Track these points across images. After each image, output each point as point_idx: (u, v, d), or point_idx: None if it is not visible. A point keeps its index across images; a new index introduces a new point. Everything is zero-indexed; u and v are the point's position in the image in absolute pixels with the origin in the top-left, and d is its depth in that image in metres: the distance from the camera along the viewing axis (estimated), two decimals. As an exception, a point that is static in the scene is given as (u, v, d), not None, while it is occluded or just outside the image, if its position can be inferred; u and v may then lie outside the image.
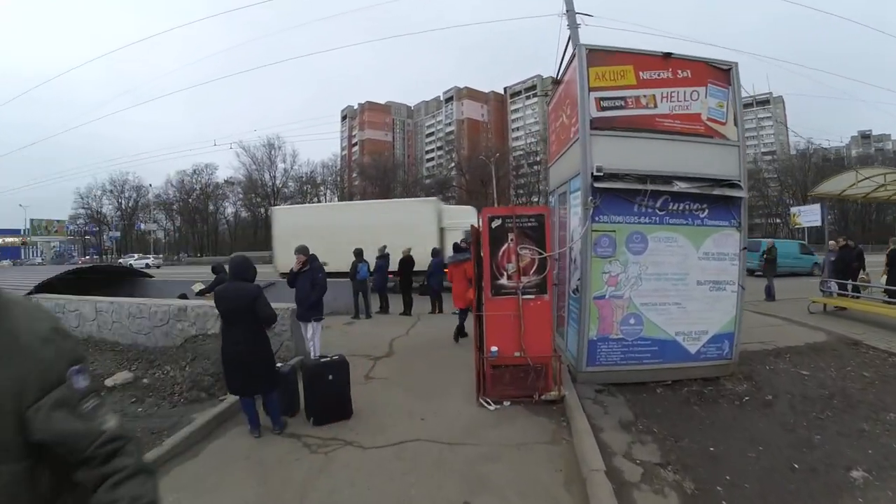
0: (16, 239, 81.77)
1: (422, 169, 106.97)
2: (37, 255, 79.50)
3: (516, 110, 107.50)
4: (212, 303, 6.76)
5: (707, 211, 7.00)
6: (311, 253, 8.20)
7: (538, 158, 77.53)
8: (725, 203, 7.05)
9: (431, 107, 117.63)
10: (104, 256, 78.10)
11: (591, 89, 6.80)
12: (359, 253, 13.08)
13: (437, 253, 13.72)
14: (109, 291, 16.86)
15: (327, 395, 5.79)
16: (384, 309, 13.72)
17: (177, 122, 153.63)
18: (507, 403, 6.18)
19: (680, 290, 6.97)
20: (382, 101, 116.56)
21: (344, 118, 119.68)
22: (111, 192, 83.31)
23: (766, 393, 6.60)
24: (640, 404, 6.22)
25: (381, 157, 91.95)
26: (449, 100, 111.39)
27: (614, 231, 6.76)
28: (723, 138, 7.18)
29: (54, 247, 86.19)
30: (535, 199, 75.64)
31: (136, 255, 67.52)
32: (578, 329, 6.83)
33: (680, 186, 6.71)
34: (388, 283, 14.52)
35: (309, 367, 6.07)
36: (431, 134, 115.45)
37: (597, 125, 6.76)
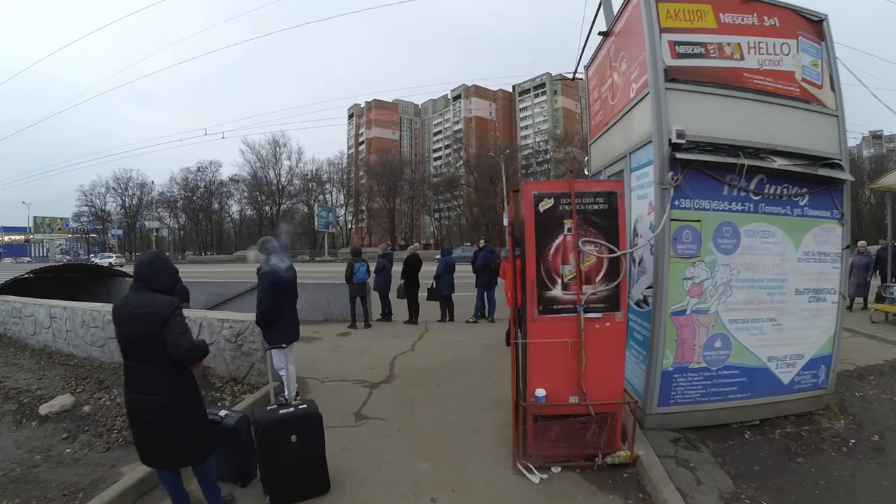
0: (20, 237, 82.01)
1: (429, 167, 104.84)
2: (43, 253, 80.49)
3: (525, 108, 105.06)
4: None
5: (807, 198, 5.14)
6: (271, 246, 6.06)
7: (548, 157, 75.94)
8: (826, 188, 5.20)
9: (439, 105, 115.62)
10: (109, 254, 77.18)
11: (662, 30, 4.95)
12: (356, 251, 11.35)
13: (447, 251, 11.98)
14: (88, 292, 15.47)
15: (291, 463, 3.81)
16: (386, 316, 11.89)
17: (178, 120, 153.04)
18: (556, 469, 4.25)
19: (776, 301, 5.15)
20: (389, 100, 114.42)
21: (351, 116, 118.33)
22: (115, 189, 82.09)
23: (870, 431, 5.14)
24: (733, 460, 4.44)
25: (387, 155, 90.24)
26: (457, 98, 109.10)
27: (699, 221, 4.90)
28: (820, 105, 5.33)
29: (60, 245, 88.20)
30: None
31: (112, 255, 66.50)
32: (649, 356, 4.95)
33: (779, 163, 4.89)
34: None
35: (262, 423, 3.84)
36: (439, 132, 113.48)
37: (673, 76, 4.87)
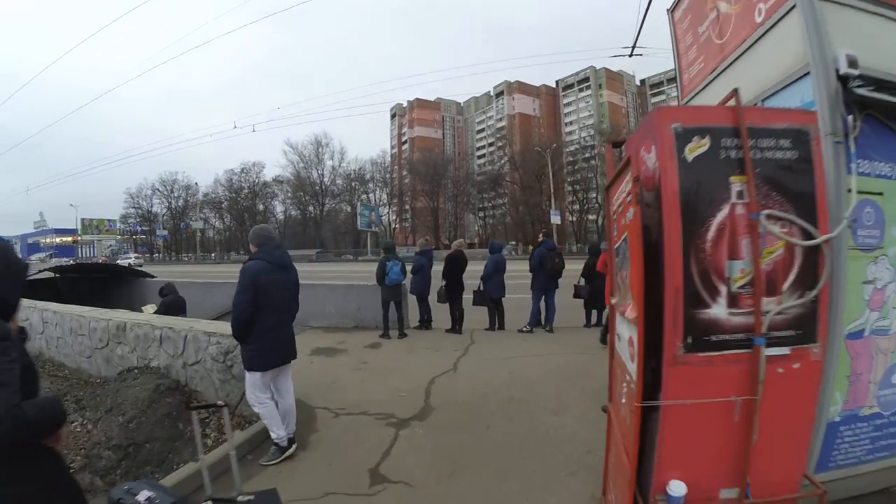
0: (69, 238, 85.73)
1: (473, 165, 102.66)
2: (92, 254, 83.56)
3: (569, 104, 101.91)
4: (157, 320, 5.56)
5: None
6: (265, 236, 4.53)
7: (595, 152, 73.28)
8: None
9: (481, 102, 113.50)
10: (154, 255, 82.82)
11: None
12: (388, 247, 9.73)
13: (497, 247, 10.15)
14: (108, 294, 14.91)
15: None
16: (425, 323, 10.12)
17: (220, 121, 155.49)
18: None
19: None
20: (431, 98, 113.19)
21: (393, 116, 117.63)
22: (160, 191, 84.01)
23: None
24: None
25: (430, 153, 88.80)
26: (499, 94, 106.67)
27: (881, 195, 3.09)
28: None
29: (110, 245, 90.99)
30: (594, 195, 71.61)
31: (132, 256, 68.40)
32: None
33: None
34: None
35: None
36: (482, 130, 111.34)
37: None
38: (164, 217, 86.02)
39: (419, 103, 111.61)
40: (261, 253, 4.30)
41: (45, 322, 8.76)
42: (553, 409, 5.22)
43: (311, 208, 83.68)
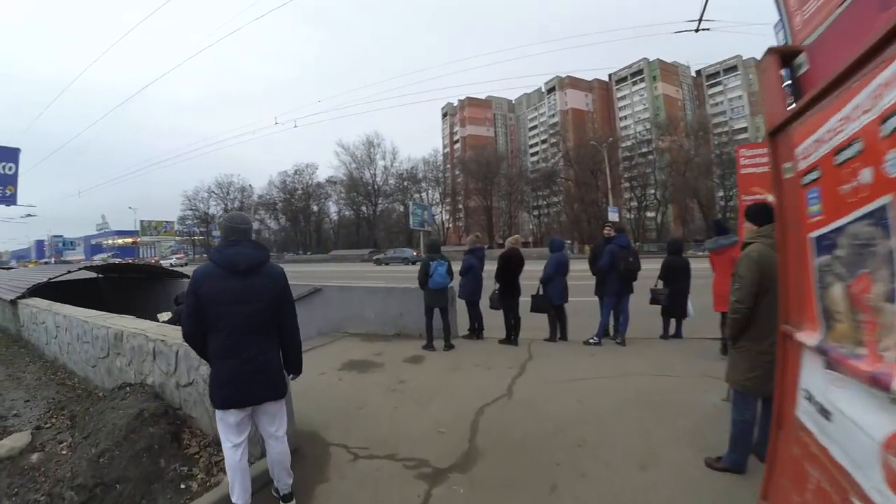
0: (129, 240, 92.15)
1: (526, 162, 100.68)
2: (152, 254, 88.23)
3: (623, 97, 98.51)
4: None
5: None
6: (230, 228, 3.18)
7: (652, 147, 70.60)
8: None
9: (533, 99, 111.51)
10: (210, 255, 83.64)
11: None
12: (433, 245, 8.42)
13: (558, 245, 8.66)
14: (143, 295, 15.13)
15: None
16: (475, 332, 8.82)
17: (269, 124, 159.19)
18: None
19: None
20: (482, 97, 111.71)
21: (444, 115, 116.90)
22: (216, 194, 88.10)
23: None
24: None
25: (482, 151, 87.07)
26: (551, 90, 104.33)
27: None
28: None
29: (170, 246, 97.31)
30: (652, 192, 69.00)
31: (174, 256, 71.47)
32: None
33: None
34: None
35: None
36: (534, 127, 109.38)
37: None
38: (221, 218, 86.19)
39: (470, 102, 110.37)
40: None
41: (57, 326, 8.19)
42: (639, 461, 3.84)
43: (364, 208, 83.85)
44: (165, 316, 9.89)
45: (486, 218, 78.88)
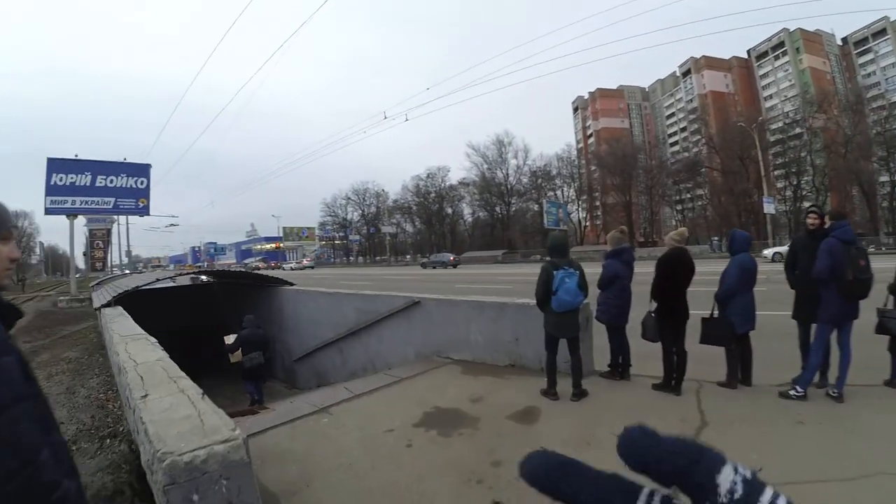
0: (272, 245, 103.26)
1: (665, 152, 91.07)
2: (294, 258, 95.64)
3: (765, 75, 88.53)
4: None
5: None
6: None
7: (805, 126, 60.90)
8: None
9: (668, 84, 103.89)
10: (350, 258, 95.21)
11: None
12: (557, 246, 5.65)
13: (741, 241, 5.68)
14: (251, 303, 15.01)
15: None
16: (618, 369, 6.20)
17: (402, 131, 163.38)
18: None
19: None
20: (614, 87, 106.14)
21: (576, 110, 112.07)
22: (353, 200, 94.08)
23: None
24: None
25: (618, 143, 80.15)
26: (686, 73, 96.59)
27: None
28: None
29: (314, 250, 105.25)
30: (808, 178, 60.35)
31: (293, 262, 74.37)
32: None
33: None
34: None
35: None
36: (671, 115, 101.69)
37: None
38: (359, 223, 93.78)
39: (601, 93, 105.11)
40: None
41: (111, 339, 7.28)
42: None
43: (497, 209, 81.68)
44: (232, 339, 9.97)
45: (626, 215, 71.82)
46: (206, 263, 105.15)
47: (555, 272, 5.33)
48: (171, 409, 2.75)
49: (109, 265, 55.86)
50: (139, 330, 6.57)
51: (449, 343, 7.92)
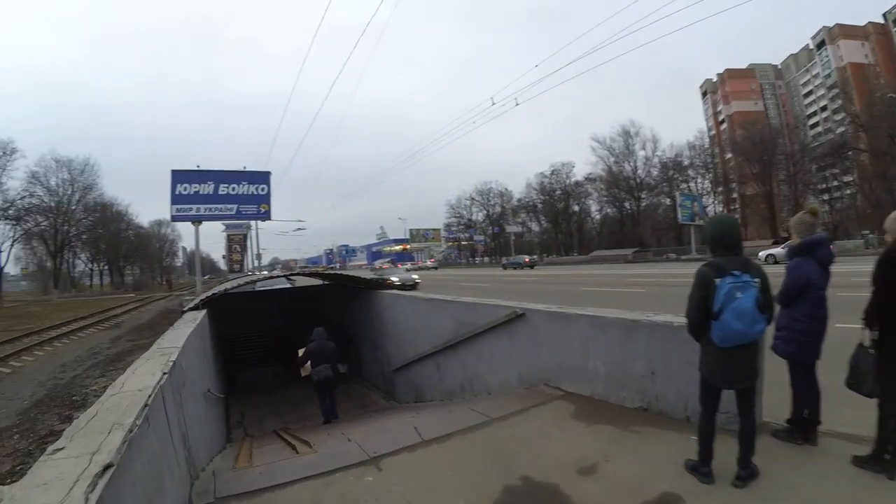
0: (400, 247, 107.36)
1: (806, 135, 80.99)
2: (423, 259, 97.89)
3: (910, 40, 76.26)
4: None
5: None
6: None
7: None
8: None
9: (802, 60, 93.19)
10: (474, 258, 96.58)
11: None
12: (723, 238, 3.45)
13: None
14: (356, 305, 14.60)
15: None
16: (803, 426, 3.99)
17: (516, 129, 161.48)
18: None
19: None
20: (743, 66, 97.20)
21: (704, 94, 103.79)
22: (477, 200, 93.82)
23: None
24: None
25: (753, 127, 71.22)
26: (820, 45, 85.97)
27: None
28: None
29: (441, 251, 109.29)
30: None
31: (408, 264, 72.64)
32: None
33: None
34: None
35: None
36: (809, 93, 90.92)
37: None
38: (484, 223, 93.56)
39: (730, 74, 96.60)
40: None
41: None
42: None
43: (626, 204, 76.70)
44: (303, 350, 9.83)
45: (767, 206, 64.08)
46: (338, 265, 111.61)
47: (718, 281, 3.23)
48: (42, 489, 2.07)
49: (246, 267, 61.32)
50: (181, 342, 5.42)
51: (560, 369, 6.07)
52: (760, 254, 28.40)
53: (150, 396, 3.17)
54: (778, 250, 28.30)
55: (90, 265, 78.14)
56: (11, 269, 68.65)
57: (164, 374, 3.85)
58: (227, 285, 13.77)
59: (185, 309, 10.09)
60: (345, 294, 15.70)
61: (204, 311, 9.47)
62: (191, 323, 7.47)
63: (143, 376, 3.84)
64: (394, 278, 23.67)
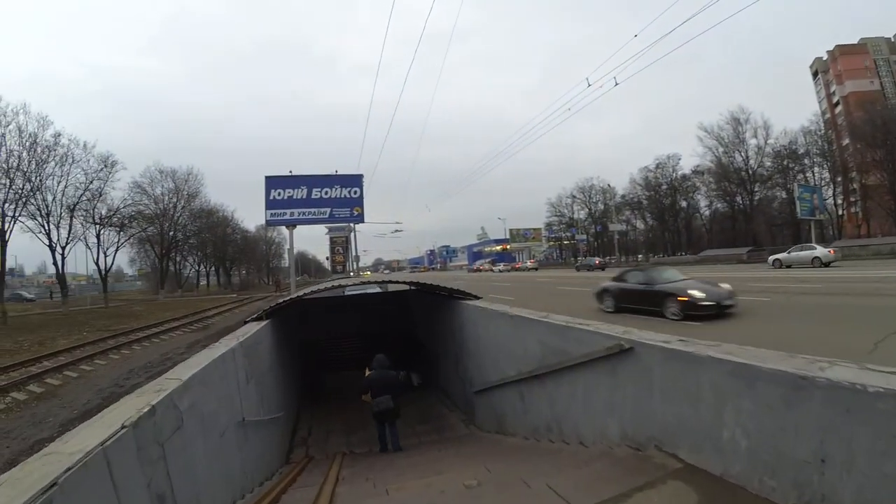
0: (499, 247, 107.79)
1: None
2: (523, 260, 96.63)
3: None
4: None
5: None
6: None
7: None
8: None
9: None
10: (575, 258, 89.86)
11: None
12: None
13: None
14: (440, 316, 13.69)
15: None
16: None
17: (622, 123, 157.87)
18: None
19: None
20: (854, 41, 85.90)
21: (815, 74, 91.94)
22: (578, 198, 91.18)
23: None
24: None
25: (872, 108, 61.74)
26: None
27: None
28: None
29: (542, 251, 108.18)
30: None
31: (501, 265, 74.10)
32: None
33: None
34: None
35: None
36: (933, 66, 78.55)
37: None
38: (586, 222, 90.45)
39: (841, 51, 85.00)
40: None
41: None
42: None
43: (738, 199, 68.38)
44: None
45: (893, 198, 53.81)
46: (439, 265, 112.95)
47: None
48: None
49: (349, 268, 63.48)
50: (189, 373, 4.48)
51: (680, 429, 4.04)
52: (769, 258, 25.55)
53: (67, 470, 2.32)
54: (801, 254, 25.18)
55: (198, 267, 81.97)
56: (128, 269, 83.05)
57: (124, 427, 2.96)
58: (306, 290, 13.66)
59: (248, 320, 9.36)
60: (429, 301, 14.69)
61: (265, 323, 8.61)
62: (231, 341, 6.26)
63: (97, 428, 2.96)
64: (694, 292, 13.02)
